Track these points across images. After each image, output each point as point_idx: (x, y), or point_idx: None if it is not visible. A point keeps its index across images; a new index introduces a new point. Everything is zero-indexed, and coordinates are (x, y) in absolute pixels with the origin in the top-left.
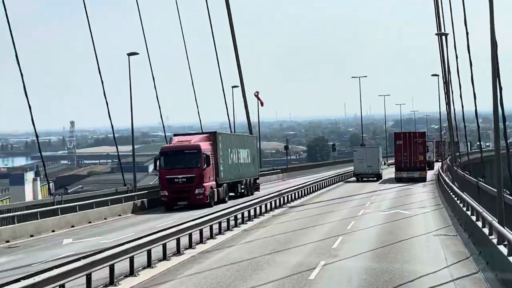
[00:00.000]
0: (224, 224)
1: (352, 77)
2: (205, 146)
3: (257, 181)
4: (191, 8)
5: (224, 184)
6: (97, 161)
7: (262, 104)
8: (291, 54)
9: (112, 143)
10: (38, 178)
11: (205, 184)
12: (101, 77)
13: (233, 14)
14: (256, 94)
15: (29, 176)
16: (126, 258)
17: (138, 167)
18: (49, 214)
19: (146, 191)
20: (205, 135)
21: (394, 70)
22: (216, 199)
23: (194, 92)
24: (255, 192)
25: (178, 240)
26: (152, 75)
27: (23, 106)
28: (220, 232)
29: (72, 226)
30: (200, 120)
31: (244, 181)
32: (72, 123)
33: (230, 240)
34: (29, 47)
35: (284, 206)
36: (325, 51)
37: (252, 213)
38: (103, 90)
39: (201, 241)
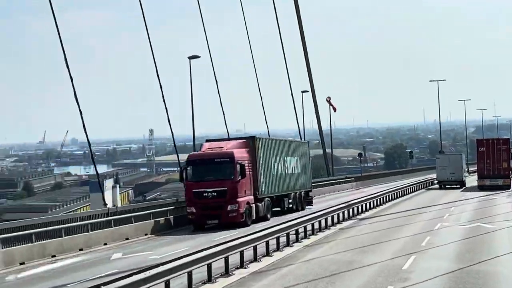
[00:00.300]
0: (283, 239)
1: (430, 80)
2: (240, 154)
3: (310, 193)
4: (259, 10)
5: (266, 199)
6: (175, 169)
7: (335, 109)
8: (366, 58)
9: (191, 150)
10: (118, 185)
11: (239, 199)
12: (160, 83)
13: (303, 16)
14: (328, 99)
15: (109, 183)
16: (161, 282)
17: None
18: (104, 226)
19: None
20: (241, 140)
21: (474, 73)
22: (254, 217)
23: (261, 98)
24: (307, 207)
25: (226, 259)
26: (215, 81)
27: (105, 115)
28: (278, 249)
29: (127, 239)
30: (267, 128)
31: (292, 194)
32: (151, 131)
33: (288, 258)
34: (112, 59)
35: (353, 218)
36: (402, 54)
37: (316, 226)
38: (163, 97)
39: (255, 259)
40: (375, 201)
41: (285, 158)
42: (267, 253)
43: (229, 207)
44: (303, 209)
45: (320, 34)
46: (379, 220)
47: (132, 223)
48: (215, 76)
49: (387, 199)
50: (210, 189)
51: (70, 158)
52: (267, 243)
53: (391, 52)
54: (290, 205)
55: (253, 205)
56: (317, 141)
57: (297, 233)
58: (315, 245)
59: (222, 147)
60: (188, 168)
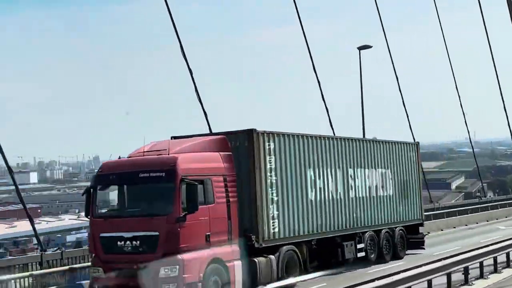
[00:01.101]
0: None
1: None
2: (197, 164)
3: (420, 229)
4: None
5: (283, 248)
6: None
7: None
8: None
9: None
10: None
11: (186, 256)
12: (320, 89)
13: None
14: None
15: None
16: None
17: (441, 183)
18: None
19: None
20: (214, 138)
21: None
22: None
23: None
24: (410, 252)
25: None
26: (397, 80)
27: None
28: None
29: None
30: (468, 132)
31: (368, 234)
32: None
33: None
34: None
35: None
36: None
37: (488, 262)
38: (324, 103)
39: None
40: None
41: (352, 170)
42: None
43: (162, 272)
44: (397, 257)
45: None
46: None
47: None
48: (396, 77)
49: None
50: (128, 234)
51: None
52: None
53: None
54: (361, 253)
55: (234, 264)
56: None
57: (466, 271)
58: None
59: (164, 150)
60: (94, 192)
